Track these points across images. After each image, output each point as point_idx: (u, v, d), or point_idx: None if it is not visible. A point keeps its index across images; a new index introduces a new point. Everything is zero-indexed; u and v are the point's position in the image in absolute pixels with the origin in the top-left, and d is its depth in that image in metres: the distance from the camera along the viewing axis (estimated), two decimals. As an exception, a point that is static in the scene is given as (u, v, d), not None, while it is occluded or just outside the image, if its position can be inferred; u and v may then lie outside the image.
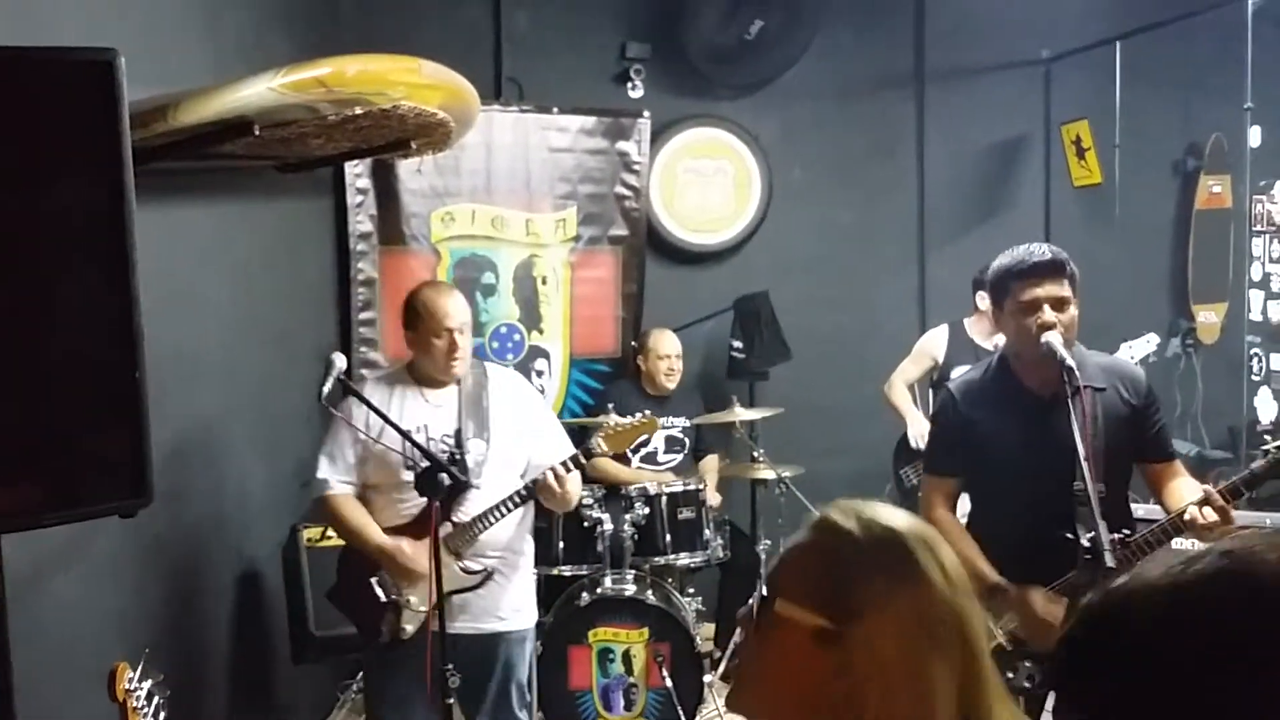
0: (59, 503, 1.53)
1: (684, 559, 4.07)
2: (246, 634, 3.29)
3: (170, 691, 1.89)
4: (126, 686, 1.79)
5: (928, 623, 1.05)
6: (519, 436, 2.98)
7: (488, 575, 2.83)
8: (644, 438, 4.38)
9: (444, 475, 2.60)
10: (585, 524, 3.98)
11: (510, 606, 2.99)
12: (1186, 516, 2.44)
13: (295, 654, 3.41)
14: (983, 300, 4.27)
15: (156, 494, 1.57)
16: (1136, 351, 4.17)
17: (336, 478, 2.89)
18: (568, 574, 4.02)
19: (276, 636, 3.46)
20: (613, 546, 3.96)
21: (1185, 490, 2.64)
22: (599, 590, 3.87)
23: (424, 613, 2.83)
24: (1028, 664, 2.63)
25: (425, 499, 2.76)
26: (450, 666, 2.62)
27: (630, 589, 3.87)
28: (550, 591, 4.04)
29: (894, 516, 1.11)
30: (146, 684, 1.83)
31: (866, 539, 1.08)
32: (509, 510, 2.87)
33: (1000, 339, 4.31)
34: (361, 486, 2.93)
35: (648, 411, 3.23)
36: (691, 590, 4.22)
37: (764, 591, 1.11)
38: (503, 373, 3.15)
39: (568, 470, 2.91)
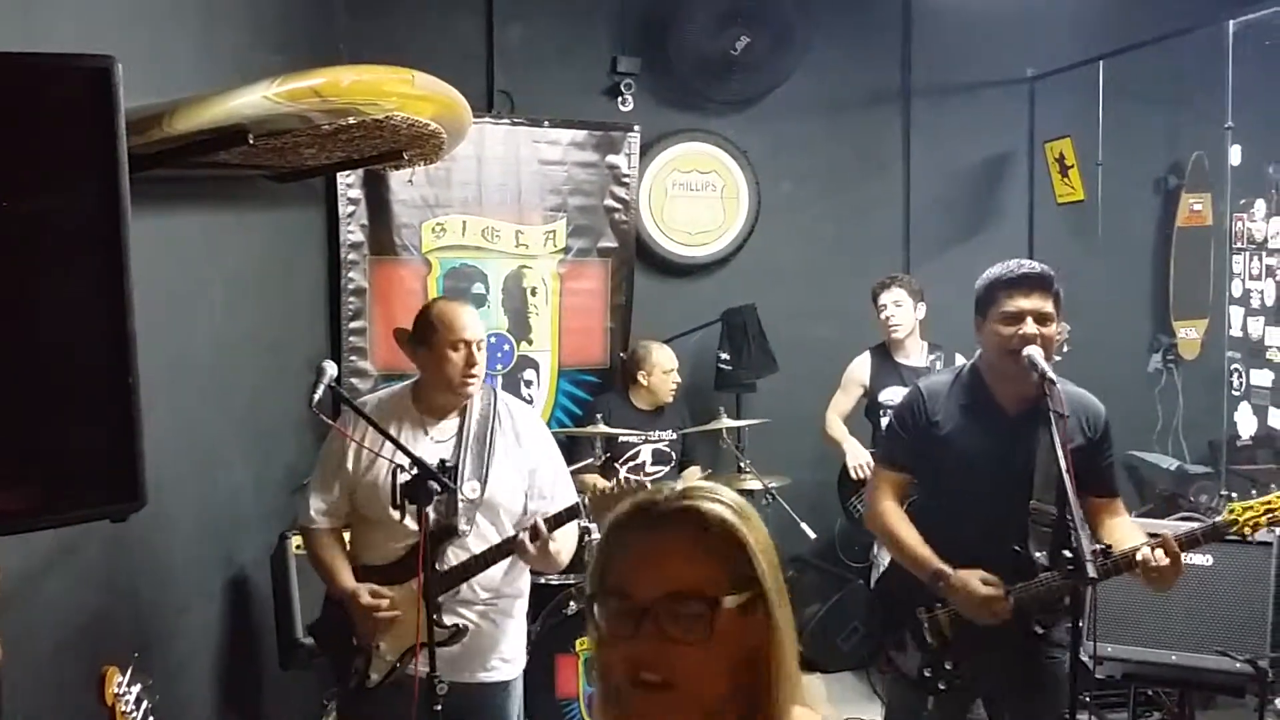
0: (51, 506, 1.52)
1: (670, 568, 4.09)
2: (234, 639, 3.29)
3: (159, 696, 1.90)
4: (116, 690, 1.80)
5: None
6: (520, 481, 2.78)
7: (460, 631, 2.65)
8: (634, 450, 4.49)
9: (433, 482, 2.48)
10: (572, 533, 3.99)
11: (498, 656, 2.79)
12: (1139, 556, 2.45)
13: (283, 660, 3.41)
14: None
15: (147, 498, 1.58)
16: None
17: (315, 509, 2.79)
18: (555, 583, 4.03)
19: (264, 642, 3.47)
20: (600, 555, 3.97)
21: (1123, 529, 2.63)
22: (586, 599, 3.88)
23: (391, 663, 2.69)
24: (948, 665, 2.67)
25: (413, 543, 2.57)
26: (440, 708, 2.45)
27: (617, 598, 3.88)
28: (537, 600, 4.03)
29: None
30: (135, 688, 1.84)
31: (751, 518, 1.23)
32: (488, 564, 2.68)
33: (926, 356, 4.45)
34: (349, 516, 2.80)
35: (646, 481, 2.95)
36: (677, 600, 4.23)
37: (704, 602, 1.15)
38: (517, 409, 2.88)
39: (555, 526, 2.65)
